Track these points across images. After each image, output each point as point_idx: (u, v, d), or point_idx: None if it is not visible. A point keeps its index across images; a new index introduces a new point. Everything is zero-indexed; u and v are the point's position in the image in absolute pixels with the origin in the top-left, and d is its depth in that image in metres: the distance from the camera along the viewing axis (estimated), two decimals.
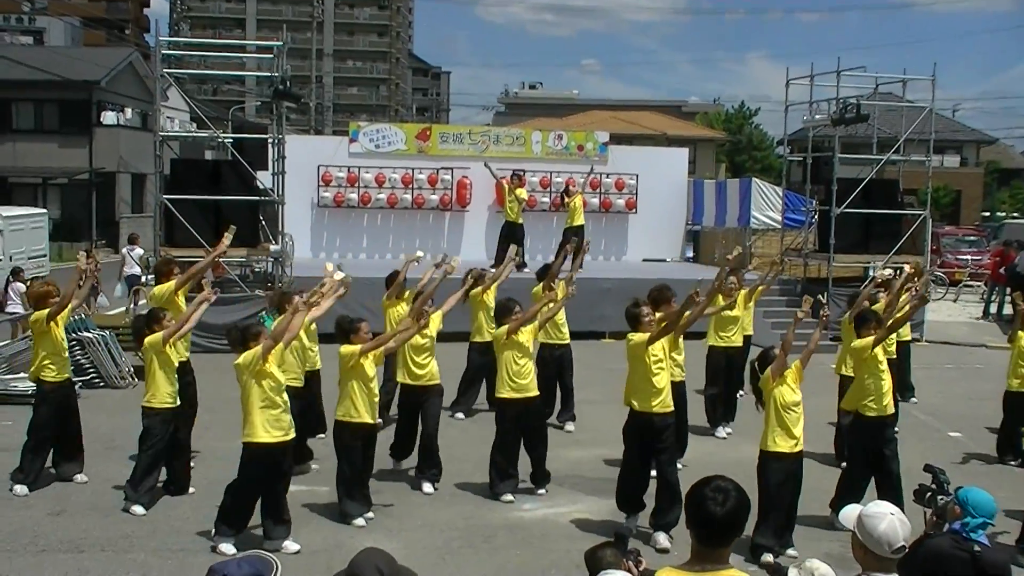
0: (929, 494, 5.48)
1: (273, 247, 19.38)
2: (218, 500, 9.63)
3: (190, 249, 18.63)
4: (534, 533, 8.98)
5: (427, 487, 10.09)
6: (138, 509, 9.29)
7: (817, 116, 22.47)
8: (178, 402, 9.79)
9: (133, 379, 14.99)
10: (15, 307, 17.93)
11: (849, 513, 4.40)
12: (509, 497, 9.82)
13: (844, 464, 10.61)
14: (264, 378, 8.23)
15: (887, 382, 9.59)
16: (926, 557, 4.94)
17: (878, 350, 9.62)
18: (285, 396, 8.41)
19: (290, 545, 8.37)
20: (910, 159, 23.43)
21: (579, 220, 21.13)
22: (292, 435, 8.55)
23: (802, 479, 8.79)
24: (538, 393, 10.17)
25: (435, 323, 10.30)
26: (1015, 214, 53.90)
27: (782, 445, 8.47)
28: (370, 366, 9.06)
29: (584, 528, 9.07)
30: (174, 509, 9.39)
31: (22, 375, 13.87)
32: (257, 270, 20.87)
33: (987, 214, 54.35)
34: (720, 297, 12.28)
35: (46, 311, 10.11)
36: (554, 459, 10.85)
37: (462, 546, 8.66)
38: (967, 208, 55.24)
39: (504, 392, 9.88)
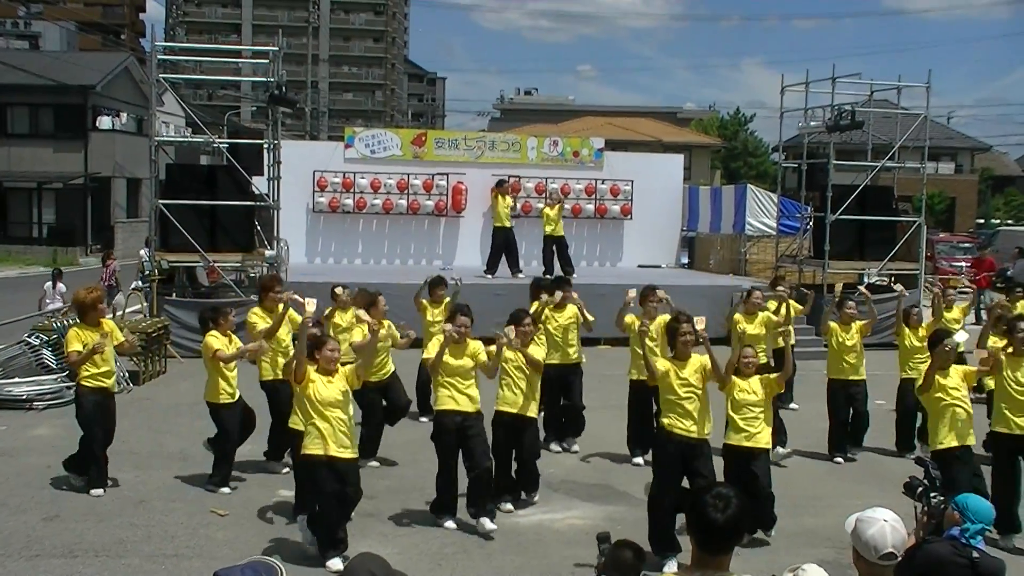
0: (920, 489, 5.44)
1: (268, 252, 19.35)
2: (212, 505, 9.65)
3: (185, 254, 18.66)
4: (529, 539, 8.97)
5: (488, 524, 9.03)
6: (224, 489, 10.12)
7: (812, 123, 22.52)
8: (225, 399, 10.28)
9: (128, 384, 14.95)
10: (55, 304, 18.75)
11: (850, 520, 4.41)
12: (509, 507, 9.74)
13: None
14: (304, 395, 8.24)
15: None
16: (925, 562, 4.94)
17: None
18: (340, 413, 8.21)
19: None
20: (905, 166, 23.49)
21: (560, 230, 21.12)
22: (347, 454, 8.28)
23: (754, 473, 8.77)
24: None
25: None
26: (1009, 221, 54.04)
27: (729, 437, 9.06)
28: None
29: (579, 534, 9.05)
30: (168, 515, 9.36)
31: (16, 380, 13.84)
32: (252, 275, 20.84)
33: (981, 221, 54.49)
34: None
35: (78, 338, 9.98)
36: (550, 464, 10.87)
37: (457, 552, 8.64)
38: (961, 215, 55.43)
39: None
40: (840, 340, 12.12)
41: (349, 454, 8.26)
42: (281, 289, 11.13)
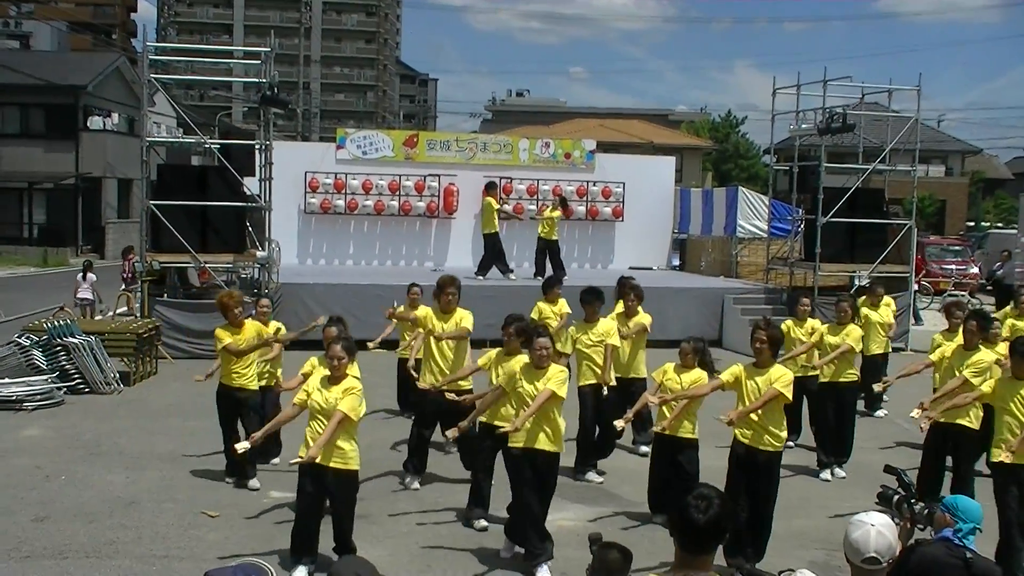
0: (897, 498, 5.43)
1: (260, 253, 19.34)
2: (203, 507, 9.65)
3: (176, 255, 18.64)
4: None
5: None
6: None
7: (803, 125, 22.58)
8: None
9: (119, 385, 14.93)
10: (86, 293, 20.66)
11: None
12: (483, 523, 9.35)
13: None
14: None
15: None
16: (919, 563, 4.96)
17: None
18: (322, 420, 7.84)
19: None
20: (895, 169, 23.56)
21: (555, 234, 21.16)
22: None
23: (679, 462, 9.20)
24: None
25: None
26: (999, 224, 54.19)
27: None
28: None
29: (568, 535, 9.04)
30: (159, 516, 9.36)
31: (6, 380, 13.80)
32: (243, 276, 20.84)
33: (972, 224, 54.64)
34: None
35: (227, 334, 10.44)
36: None
37: (447, 553, 8.64)
38: (952, 218, 55.51)
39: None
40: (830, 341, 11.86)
41: (337, 464, 7.82)
42: (456, 291, 10.70)
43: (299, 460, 7.72)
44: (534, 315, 12.17)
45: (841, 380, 11.79)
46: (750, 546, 8.30)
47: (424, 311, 10.93)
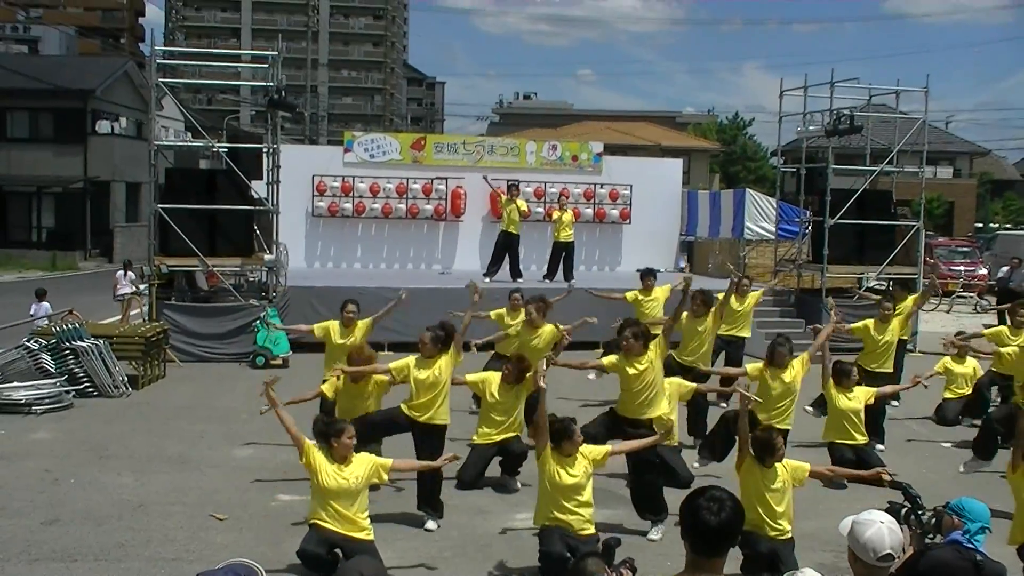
0: (905, 510, 5.43)
1: (267, 257, 19.37)
2: (211, 509, 9.65)
3: (184, 259, 18.68)
4: (528, 542, 8.94)
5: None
6: None
7: (811, 127, 22.54)
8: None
9: (127, 388, 14.94)
10: (125, 289, 21.13)
11: (845, 522, 4.43)
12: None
13: None
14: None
15: None
16: (929, 567, 4.95)
17: None
18: (346, 503, 7.84)
19: None
20: (903, 170, 23.51)
21: (567, 236, 21.15)
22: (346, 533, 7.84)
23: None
24: None
25: None
26: (1008, 225, 54.06)
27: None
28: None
29: None
30: (168, 518, 9.37)
31: (15, 384, 13.84)
32: (251, 279, 20.87)
33: (980, 225, 54.49)
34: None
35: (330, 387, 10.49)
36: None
37: (456, 555, 8.64)
38: (960, 219, 55.37)
39: None
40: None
41: (361, 536, 7.88)
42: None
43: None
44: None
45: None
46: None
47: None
